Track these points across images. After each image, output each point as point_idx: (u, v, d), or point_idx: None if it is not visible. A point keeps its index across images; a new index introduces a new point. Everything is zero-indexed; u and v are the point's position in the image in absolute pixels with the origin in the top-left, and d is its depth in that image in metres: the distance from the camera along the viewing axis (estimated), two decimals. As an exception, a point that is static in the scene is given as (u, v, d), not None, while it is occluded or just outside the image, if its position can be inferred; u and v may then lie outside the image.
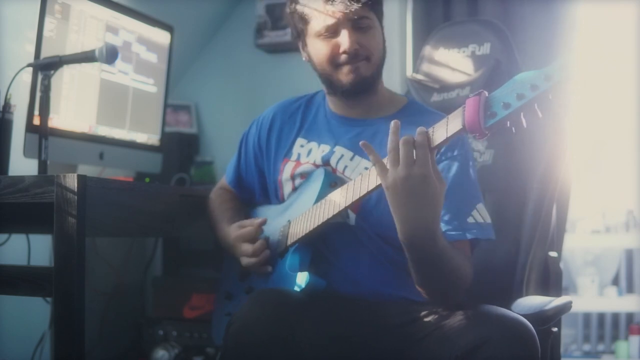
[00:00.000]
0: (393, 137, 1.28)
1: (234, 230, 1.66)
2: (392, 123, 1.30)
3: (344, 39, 1.55)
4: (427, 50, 2.07)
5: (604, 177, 3.69)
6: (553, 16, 2.67)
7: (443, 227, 1.41)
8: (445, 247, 1.34)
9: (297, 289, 1.48)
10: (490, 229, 1.48)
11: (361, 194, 1.41)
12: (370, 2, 1.56)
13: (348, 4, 1.52)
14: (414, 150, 1.25)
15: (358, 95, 1.62)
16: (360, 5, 1.53)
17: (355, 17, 1.54)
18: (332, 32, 1.57)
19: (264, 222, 1.62)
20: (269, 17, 2.98)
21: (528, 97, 1.15)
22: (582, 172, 3.42)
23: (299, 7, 1.60)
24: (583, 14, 2.71)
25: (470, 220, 1.47)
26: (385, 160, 1.31)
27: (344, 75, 1.58)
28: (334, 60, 1.58)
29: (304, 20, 1.60)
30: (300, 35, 1.65)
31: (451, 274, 1.36)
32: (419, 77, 2.07)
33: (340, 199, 1.47)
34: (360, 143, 1.33)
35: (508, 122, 1.18)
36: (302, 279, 1.48)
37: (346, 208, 1.47)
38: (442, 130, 1.25)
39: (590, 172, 3.61)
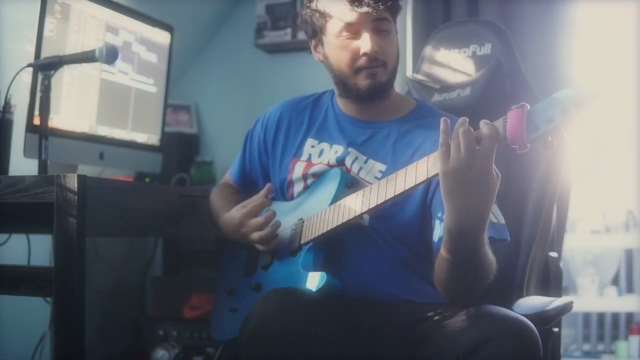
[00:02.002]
0: (458, 125, 1.27)
1: (237, 211, 1.63)
2: (442, 121, 1.29)
3: (366, 41, 1.54)
4: (428, 50, 2.07)
5: (604, 177, 3.68)
6: (553, 16, 2.67)
7: None
8: (486, 240, 1.33)
9: (310, 287, 1.48)
10: (504, 230, 1.48)
11: (385, 199, 1.41)
12: (392, 6, 1.57)
13: (374, 5, 1.52)
14: (481, 141, 1.24)
15: (373, 100, 1.62)
16: (384, 8, 1.54)
17: (378, 19, 1.54)
18: (353, 32, 1.56)
19: (269, 190, 1.62)
20: (269, 17, 2.99)
21: (572, 112, 1.16)
22: (582, 172, 3.42)
23: (320, 5, 1.58)
24: (583, 14, 2.71)
25: None
26: (434, 155, 1.32)
27: (361, 80, 1.58)
28: (353, 63, 1.57)
29: (325, 18, 1.58)
30: (316, 34, 1.63)
31: (484, 269, 1.36)
32: (420, 77, 2.07)
33: (358, 203, 1.47)
34: (442, 119, 1.30)
35: (550, 136, 1.19)
36: (316, 278, 1.48)
37: (364, 213, 1.47)
38: None
39: (590, 172, 3.60)
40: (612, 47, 3.27)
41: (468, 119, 1.27)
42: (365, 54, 1.55)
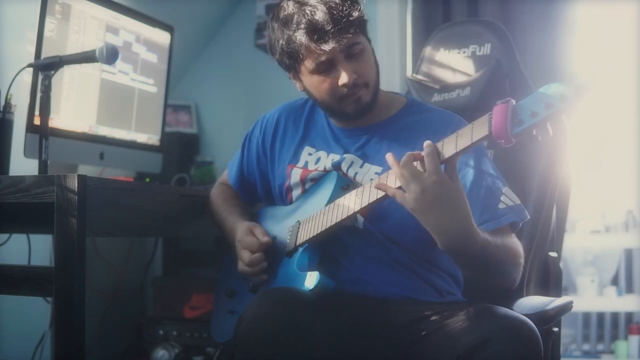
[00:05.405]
0: (394, 167, 1.31)
1: (241, 232, 1.65)
2: (388, 156, 1.33)
3: (342, 73, 1.53)
4: (428, 50, 2.07)
5: (604, 177, 3.69)
6: (553, 16, 2.67)
7: (478, 222, 1.40)
8: (487, 241, 1.35)
9: (305, 288, 1.48)
10: (522, 210, 1.50)
11: (377, 198, 1.42)
12: (358, 29, 1.54)
13: (339, 38, 1.49)
14: (424, 163, 1.28)
15: (362, 119, 1.63)
16: (350, 35, 1.51)
17: (347, 46, 1.52)
18: (326, 67, 1.54)
19: (269, 244, 1.60)
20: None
21: (556, 107, 1.17)
22: (582, 172, 3.42)
23: (287, 48, 1.55)
24: (583, 14, 2.71)
25: (501, 206, 1.48)
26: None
27: (347, 106, 1.58)
28: (334, 94, 1.56)
29: (295, 59, 1.56)
30: (290, 70, 1.62)
31: (500, 264, 1.38)
32: (419, 77, 2.07)
33: (352, 203, 1.47)
34: (386, 156, 1.34)
35: (534, 131, 1.20)
36: (312, 278, 1.48)
37: (358, 212, 1.48)
38: (467, 136, 1.27)
39: (590, 172, 3.61)
40: (612, 47, 3.27)
41: (412, 155, 1.30)
42: (344, 85, 1.54)
